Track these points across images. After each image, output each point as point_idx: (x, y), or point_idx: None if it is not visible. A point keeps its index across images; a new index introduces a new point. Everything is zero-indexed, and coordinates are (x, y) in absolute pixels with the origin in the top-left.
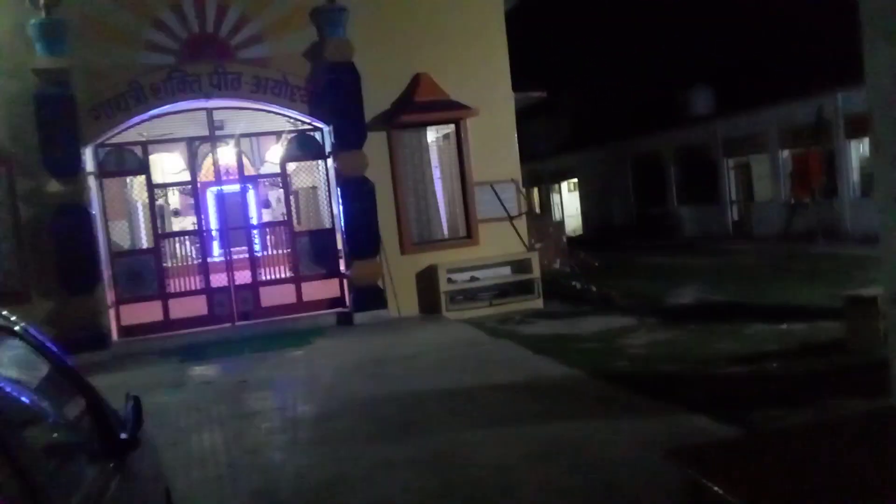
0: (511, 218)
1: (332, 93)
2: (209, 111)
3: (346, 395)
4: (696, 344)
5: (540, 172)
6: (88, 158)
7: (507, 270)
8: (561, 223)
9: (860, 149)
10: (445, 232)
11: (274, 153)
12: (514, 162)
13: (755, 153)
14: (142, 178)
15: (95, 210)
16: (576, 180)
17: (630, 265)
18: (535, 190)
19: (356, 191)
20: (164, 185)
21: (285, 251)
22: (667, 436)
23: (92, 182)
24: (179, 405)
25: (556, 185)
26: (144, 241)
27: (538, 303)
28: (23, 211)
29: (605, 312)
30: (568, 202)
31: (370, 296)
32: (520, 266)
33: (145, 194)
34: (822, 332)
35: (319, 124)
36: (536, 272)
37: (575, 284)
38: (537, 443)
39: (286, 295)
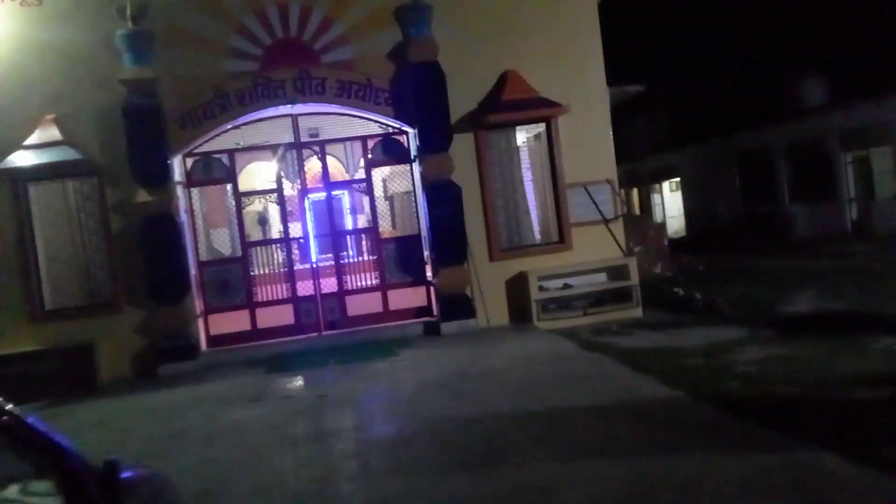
0: (606, 221)
1: (417, 94)
2: (294, 117)
3: (426, 414)
4: (817, 362)
5: (639, 172)
6: (176, 167)
7: (602, 277)
8: (662, 225)
9: None
10: (537, 237)
11: (366, 159)
12: (609, 161)
13: (876, 146)
14: (229, 187)
15: (184, 219)
16: (678, 179)
17: (738, 269)
18: (635, 190)
19: (442, 195)
20: (251, 193)
21: (371, 258)
22: (788, 477)
23: (180, 191)
24: (256, 422)
25: (657, 185)
26: (231, 250)
27: (637, 312)
28: (113, 221)
29: (710, 323)
30: (670, 202)
31: (457, 304)
32: (616, 272)
33: (233, 202)
34: None
35: (405, 127)
36: (635, 278)
37: (677, 291)
38: (634, 481)
39: (372, 304)
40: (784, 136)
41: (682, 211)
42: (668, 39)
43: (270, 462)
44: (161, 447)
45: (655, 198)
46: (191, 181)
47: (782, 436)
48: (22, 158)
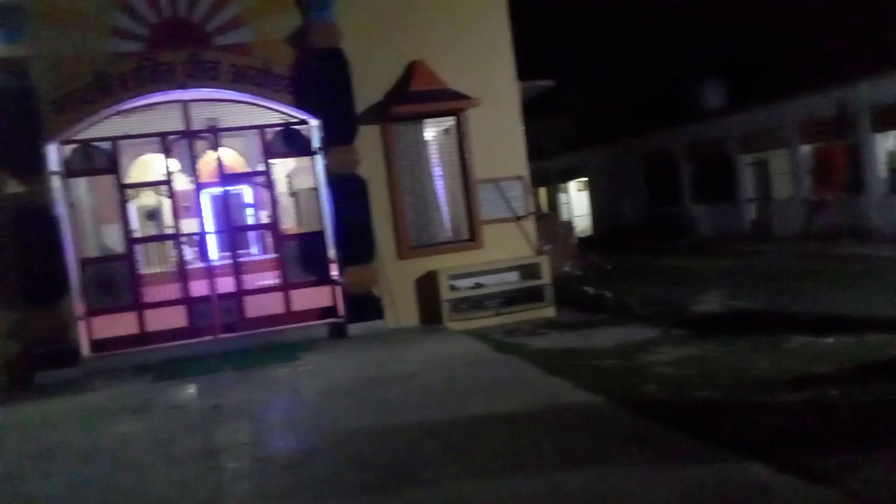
0: (518, 218)
1: (319, 82)
2: (185, 104)
3: (330, 426)
4: (733, 362)
5: (547, 171)
6: (52, 157)
7: (514, 276)
8: (571, 224)
9: (889, 142)
10: (447, 234)
11: (264, 150)
12: (520, 157)
13: (773, 148)
14: (111, 178)
15: (61, 212)
16: (585, 179)
17: (645, 268)
18: (543, 189)
19: (347, 190)
20: (136, 185)
21: (273, 256)
22: (717, 489)
23: (57, 182)
24: (141, 436)
25: (564, 185)
26: (117, 247)
27: (549, 311)
28: None
29: (622, 322)
30: (577, 202)
31: (365, 305)
32: (528, 271)
33: (114, 194)
34: (877, 348)
35: (307, 117)
36: (547, 278)
37: (588, 290)
38: (557, 499)
39: (274, 304)
40: (686, 139)
41: (588, 210)
42: (576, 41)
43: (153, 484)
44: (28, 468)
45: (562, 197)
46: (69, 171)
47: (708, 444)
48: None
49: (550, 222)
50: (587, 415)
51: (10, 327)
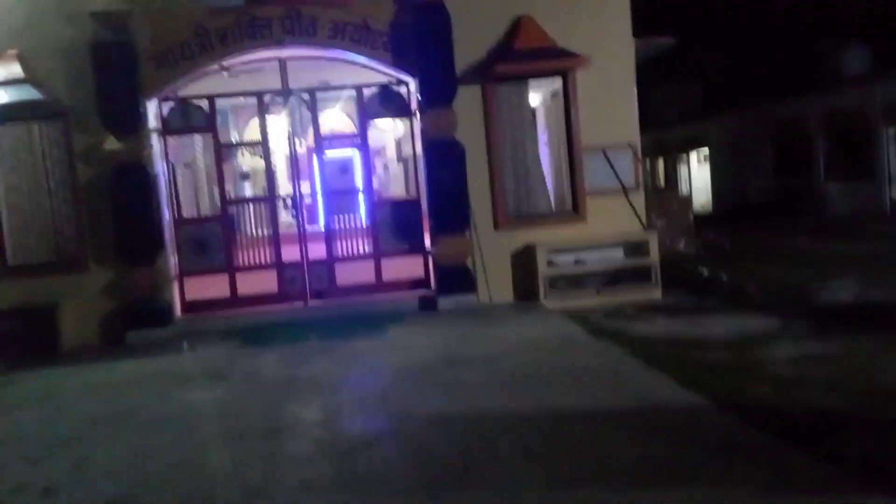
0: (626, 190)
1: (418, 39)
2: (282, 62)
3: (401, 409)
4: (864, 365)
5: (666, 141)
6: (151, 114)
7: (619, 253)
8: (688, 198)
9: None
10: (548, 205)
11: (360, 111)
12: (632, 123)
13: None
14: (209, 137)
15: (159, 170)
16: (706, 150)
17: (768, 249)
18: (660, 160)
19: (444, 155)
20: (233, 145)
21: (366, 223)
22: None
23: (155, 140)
24: (211, 406)
25: (684, 156)
26: (209, 208)
27: (656, 293)
28: (80, 171)
29: (738, 309)
30: (697, 175)
31: (457, 278)
32: (635, 249)
33: (211, 155)
34: None
35: (405, 77)
36: (655, 257)
37: (702, 271)
38: None
39: (365, 273)
40: (821, 109)
41: (709, 184)
42: None
43: (207, 462)
44: (94, 432)
45: (682, 169)
46: (167, 129)
47: (829, 468)
48: None
49: (664, 196)
50: (687, 419)
51: (104, 284)
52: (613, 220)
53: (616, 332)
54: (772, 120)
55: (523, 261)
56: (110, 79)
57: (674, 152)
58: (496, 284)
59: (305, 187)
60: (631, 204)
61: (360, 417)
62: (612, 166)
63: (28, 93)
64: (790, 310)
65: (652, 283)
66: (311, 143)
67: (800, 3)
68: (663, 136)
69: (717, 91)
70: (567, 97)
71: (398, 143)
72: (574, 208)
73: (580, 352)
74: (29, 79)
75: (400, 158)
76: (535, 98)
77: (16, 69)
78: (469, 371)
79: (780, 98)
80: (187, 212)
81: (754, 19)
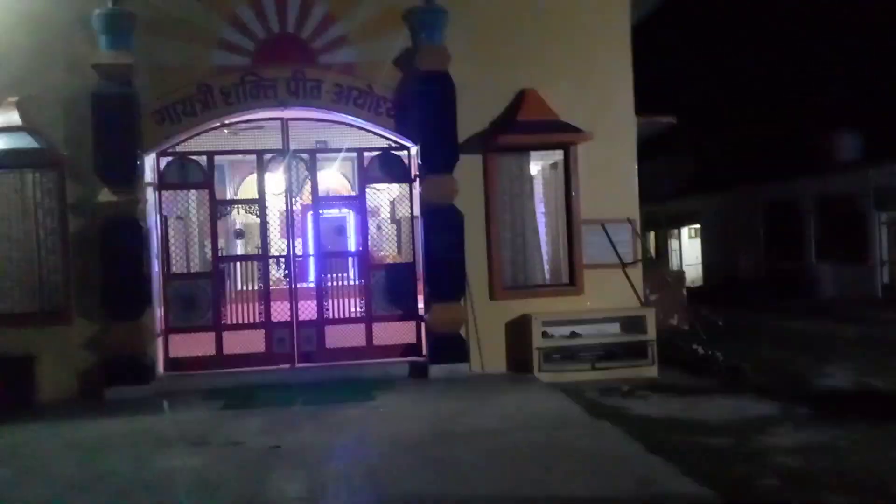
0: (624, 265)
1: (423, 106)
2: (284, 122)
3: (390, 489)
4: (872, 458)
5: (658, 215)
6: (148, 167)
7: (615, 328)
8: (682, 273)
9: None
10: (544, 277)
11: (360, 174)
12: (631, 199)
13: None
14: (205, 193)
15: (152, 225)
16: (698, 226)
17: (761, 328)
18: (651, 234)
19: (442, 221)
20: (229, 202)
21: (359, 286)
22: None
23: (150, 194)
24: (189, 475)
25: (676, 230)
26: (200, 264)
27: (651, 370)
28: (72, 221)
29: (734, 391)
30: (688, 250)
31: (450, 346)
32: (631, 324)
33: (206, 211)
34: None
35: (406, 142)
36: (652, 333)
37: (696, 349)
38: None
39: (355, 336)
40: (814, 191)
41: (699, 259)
42: (697, 77)
43: None
44: (70, 498)
45: (673, 243)
46: (163, 183)
47: None
48: None
49: (658, 270)
50: None
51: (87, 338)
52: (610, 293)
53: (613, 410)
54: (764, 199)
55: (518, 331)
56: (109, 131)
57: (665, 226)
58: (489, 354)
59: (299, 246)
60: (629, 279)
61: (346, 495)
62: (610, 241)
63: (24, 140)
64: (788, 394)
65: (648, 360)
66: (308, 201)
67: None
68: (654, 210)
69: (709, 167)
70: (568, 170)
71: (393, 204)
72: (571, 280)
73: (578, 432)
74: (26, 126)
75: (394, 220)
76: (533, 168)
77: (13, 116)
78: (462, 448)
79: (773, 179)
80: (177, 267)
81: (748, 100)
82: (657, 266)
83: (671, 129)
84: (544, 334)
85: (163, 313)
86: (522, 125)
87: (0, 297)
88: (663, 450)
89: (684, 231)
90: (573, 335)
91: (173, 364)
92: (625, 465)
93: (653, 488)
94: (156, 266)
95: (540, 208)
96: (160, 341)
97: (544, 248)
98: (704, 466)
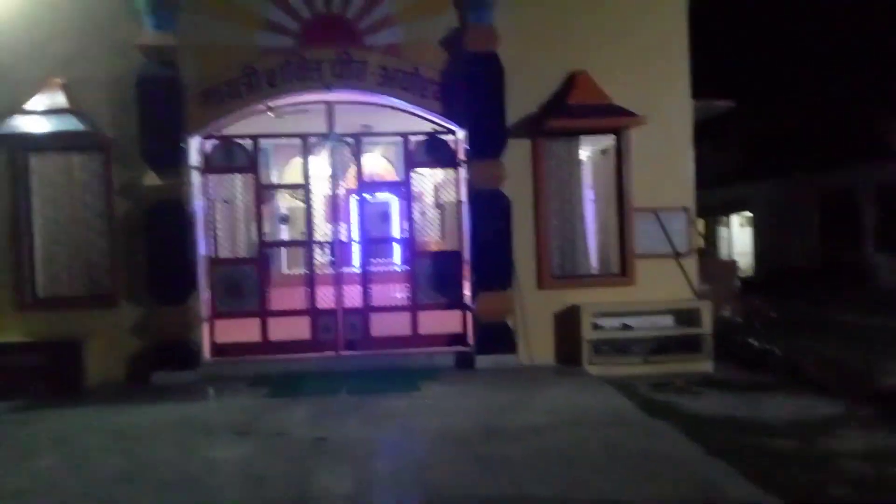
0: (679, 255)
1: (470, 89)
2: (329, 105)
3: (435, 486)
4: None
5: (708, 202)
6: (193, 150)
7: (668, 320)
8: (734, 263)
9: None
10: (594, 266)
11: (405, 159)
12: (687, 186)
13: None
14: (249, 177)
15: (198, 209)
16: (749, 214)
17: (817, 321)
18: (702, 222)
19: (489, 207)
20: (274, 187)
21: (404, 273)
22: None
23: (195, 178)
24: (233, 466)
25: (726, 218)
26: (246, 249)
27: (706, 365)
28: (118, 204)
29: (794, 388)
30: (738, 238)
31: (497, 336)
32: (685, 316)
33: (251, 195)
34: None
35: (452, 126)
36: (707, 326)
37: (752, 343)
38: None
39: (400, 325)
40: (874, 178)
41: (750, 248)
42: (751, 59)
43: None
44: (108, 490)
45: (723, 231)
46: (208, 167)
47: None
48: (22, 124)
49: (710, 260)
50: None
51: (134, 322)
52: (663, 284)
53: (667, 407)
54: (819, 187)
55: (566, 322)
56: (154, 114)
57: (714, 214)
58: (537, 345)
59: (343, 231)
60: (683, 269)
61: (390, 492)
62: (664, 230)
63: (70, 123)
64: (852, 392)
65: (702, 355)
66: (352, 185)
67: (852, 70)
68: (705, 196)
69: (761, 153)
70: (620, 156)
71: (436, 189)
72: (622, 271)
73: (630, 430)
74: (72, 109)
75: (439, 205)
76: (583, 153)
77: (60, 99)
78: (511, 445)
79: (830, 165)
80: (223, 252)
81: (803, 83)
82: (709, 256)
83: (722, 112)
84: (594, 325)
85: (209, 298)
86: (574, 108)
87: (48, 281)
88: (723, 452)
89: (735, 219)
90: (624, 327)
91: (219, 350)
92: (684, 468)
93: (714, 494)
94: (202, 250)
95: (589, 195)
96: (206, 326)
97: (593, 237)
98: (769, 471)
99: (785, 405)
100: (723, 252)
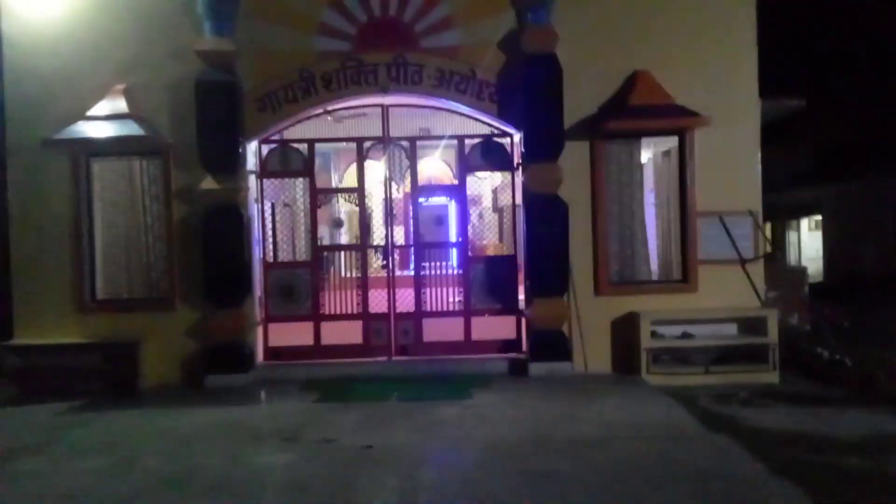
0: (744, 262)
1: (527, 91)
2: (385, 108)
3: (477, 502)
4: None
5: (775, 205)
6: (250, 154)
7: (731, 329)
8: (804, 269)
9: None
10: (654, 272)
11: (461, 162)
12: (753, 189)
13: None
14: (305, 181)
15: (254, 213)
16: (819, 217)
17: (892, 330)
18: (768, 226)
19: (546, 212)
20: (329, 191)
21: (457, 278)
22: None
23: (252, 182)
24: (278, 474)
25: (794, 222)
26: (301, 253)
27: (772, 376)
28: (176, 208)
29: (867, 403)
30: (808, 243)
31: (551, 343)
32: (750, 325)
33: (307, 199)
34: None
35: (509, 129)
36: (773, 336)
37: (822, 353)
38: None
39: (453, 330)
40: None
41: (820, 253)
42: (826, 55)
43: None
44: (152, 496)
45: (791, 236)
46: (264, 171)
47: None
48: (85, 129)
49: (777, 266)
50: None
51: (189, 325)
52: (726, 291)
53: (729, 420)
54: (894, 189)
55: (624, 330)
56: (212, 118)
57: (783, 218)
58: (593, 353)
59: (398, 234)
60: (748, 276)
61: None
62: (729, 234)
63: (131, 128)
64: None
65: (768, 365)
66: (408, 189)
67: None
68: (773, 199)
69: (831, 155)
70: (683, 158)
71: (495, 193)
72: (683, 277)
73: (692, 446)
74: (133, 114)
75: (496, 209)
76: (644, 156)
77: (121, 104)
78: (563, 459)
79: None
80: (277, 255)
81: (876, 82)
82: (778, 261)
83: (791, 111)
84: (653, 333)
85: (263, 302)
86: (635, 109)
87: (107, 283)
88: (788, 470)
89: (804, 223)
90: (685, 335)
91: (272, 353)
92: (748, 488)
93: None
94: (257, 254)
95: (650, 199)
96: (260, 330)
97: (654, 242)
98: (837, 492)
99: (857, 421)
100: (791, 257)
